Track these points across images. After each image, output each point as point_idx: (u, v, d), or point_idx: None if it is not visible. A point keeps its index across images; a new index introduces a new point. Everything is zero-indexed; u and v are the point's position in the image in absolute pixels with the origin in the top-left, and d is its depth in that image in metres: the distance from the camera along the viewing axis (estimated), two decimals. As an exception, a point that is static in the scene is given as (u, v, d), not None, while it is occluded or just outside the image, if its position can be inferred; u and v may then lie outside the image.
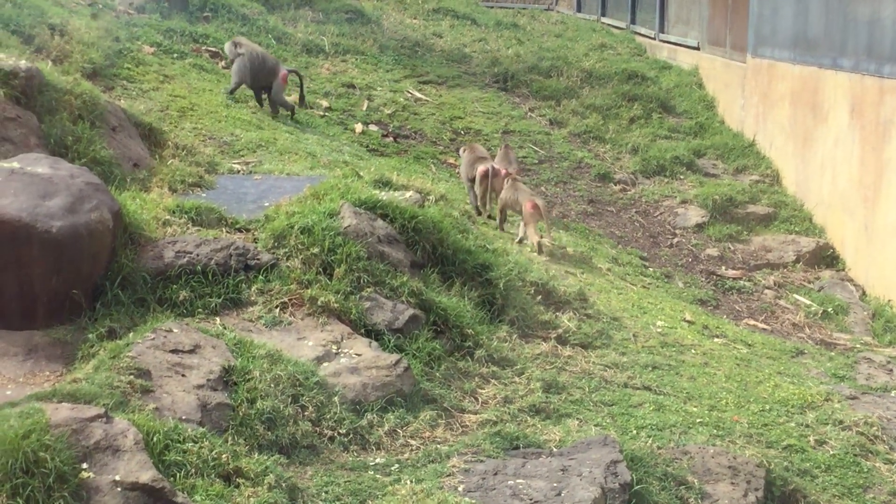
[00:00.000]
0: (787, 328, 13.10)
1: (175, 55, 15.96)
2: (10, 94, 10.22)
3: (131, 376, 7.27)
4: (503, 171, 13.47)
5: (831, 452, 8.87)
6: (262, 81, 14.93)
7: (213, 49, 16.90)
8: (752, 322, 13.13)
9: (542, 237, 12.69)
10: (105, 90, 13.00)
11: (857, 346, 12.41)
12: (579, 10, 30.01)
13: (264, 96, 15.08)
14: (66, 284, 8.18)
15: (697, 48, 21.00)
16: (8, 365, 7.73)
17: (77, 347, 7.95)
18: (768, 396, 9.82)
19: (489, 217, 13.48)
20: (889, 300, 13.64)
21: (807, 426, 9.25)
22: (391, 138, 16.23)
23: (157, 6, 18.00)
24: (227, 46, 15.18)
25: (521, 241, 12.74)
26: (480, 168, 13.49)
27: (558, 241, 13.44)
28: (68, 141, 10.30)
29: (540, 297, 10.46)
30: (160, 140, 11.96)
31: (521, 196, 12.82)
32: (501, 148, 14.80)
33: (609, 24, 26.67)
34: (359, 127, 16.22)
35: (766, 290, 14.18)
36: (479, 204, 13.55)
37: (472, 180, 13.66)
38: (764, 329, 12.92)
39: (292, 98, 15.71)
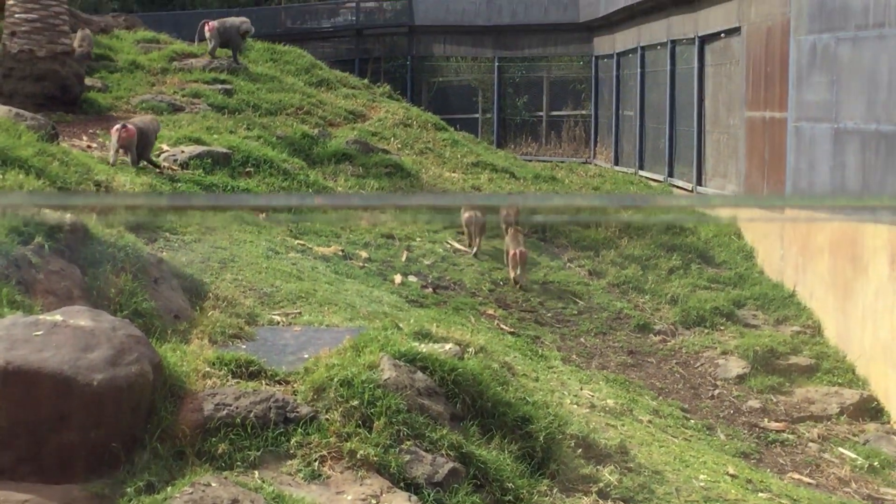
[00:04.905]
0: (833, 482, 12.87)
1: (220, 214, 16.17)
2: (55, 247, 10.35)
3: (169, 531, 7.21)
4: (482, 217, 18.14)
5: None
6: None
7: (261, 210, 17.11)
8: (796, 476, 12.91)
9: (520, 279, 17.19)
10: (148, 242, 13.16)
11: (906, 501, 12.17)
12: (617, 163, 30.33)
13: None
14: (106, 437, 8.17)
15: (735, 205, 21.09)
16: (45, 519, 7.67)
17: (115, 502, 7.90)
18: (816, 553, 9.60)
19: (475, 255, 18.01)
20: (936, 454, 13.41)
21: (856, 585, 9.02)
22: (430, 289, 16.28)
23: (201, 162, 18.30)
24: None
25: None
26: (465, 215, 18.03)
27: (598, 392, 13.35)
28: (111, 293, 10.39)
29: (580, 450, 10.35)
30: (201, 291, 12.05)
31: (511, 245, 17.40)
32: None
33: (647, 177, 26.89)
34: (398, 278, 16.29)
35: (811, 444, 13.98)
36: (469, 242, 18.27)
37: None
38: (809, 483, 12.70)
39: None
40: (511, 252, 17.32)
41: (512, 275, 17.33)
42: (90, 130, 18.97)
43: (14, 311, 9.09)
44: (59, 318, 8.71)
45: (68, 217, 10.78)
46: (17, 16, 19.30)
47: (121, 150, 16.44)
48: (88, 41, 22.73)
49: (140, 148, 16.61)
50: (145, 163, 16.74)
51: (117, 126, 16.39)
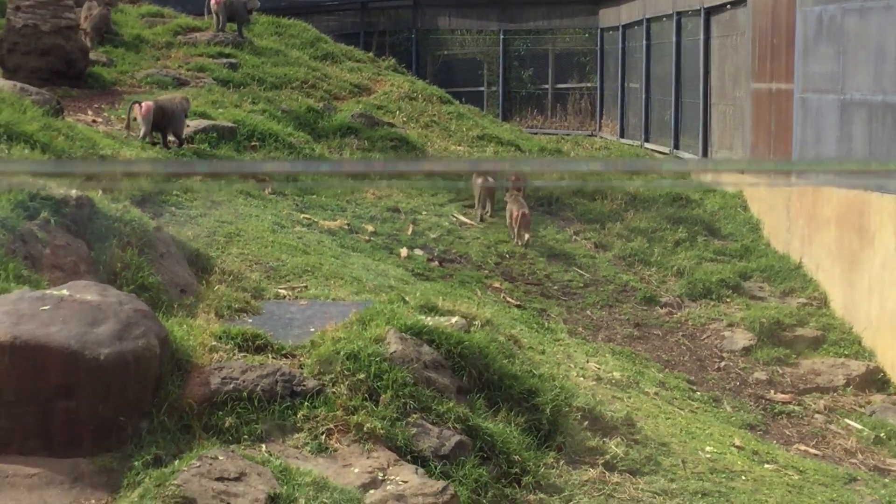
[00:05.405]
0: (839, 454, 12.89)
1: (223, 181, 16.15)
2: (61, 222, 10.36)
3: (176, 504, 7.24)
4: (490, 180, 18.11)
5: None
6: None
7: (260, 176, 17.11)
8: (802, 447, 12.93)
9: (524, 238, 17.38)
10: (153, 217, 13.15)
11: (912, 471, 12.19)
12: (622, 135, 30.23)
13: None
14: (113, 411, 8.20)
15: (741, 171, 21.04)
16: (54, 493, 7.71)
17: (123, 475, 7.93)
18: (822, 524, 9.62)
19: (481, 219, 18.21)
20: (942, 425, 13.42)
21: (862, 555, 9.05)
22: (436, 262, 16.27)
23: (206, 136, 18.27)
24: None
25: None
26: (478, 180, 18.09)
27: (604, 364, 13.36)
28: (117, 268, 10.40)
29: (587, 422, 10.36)
30: (207, 266, 12.06)
31: (514, 207, 17.43)
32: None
33: (652, 150, 26.83)
34: (404, 251, 16.28)
35: (817, 415, 13.98)
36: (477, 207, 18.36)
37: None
38: (815, 455, 12.71)
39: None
40: (514, 213, 17.41)
41: (515, 238, 17.47)
42: (95, 105, 18.94)
43: (21, 286, 9.11)
44: (65, 292, 8.73)
45: (74, 192, 10.78)
46: (21, -10, 19.24)
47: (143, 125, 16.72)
48: (96, 11, 22.63)
49: (163, 125, 16.78)
50: (160, 139, 16.89)
51: (136, 101, 17.01)
